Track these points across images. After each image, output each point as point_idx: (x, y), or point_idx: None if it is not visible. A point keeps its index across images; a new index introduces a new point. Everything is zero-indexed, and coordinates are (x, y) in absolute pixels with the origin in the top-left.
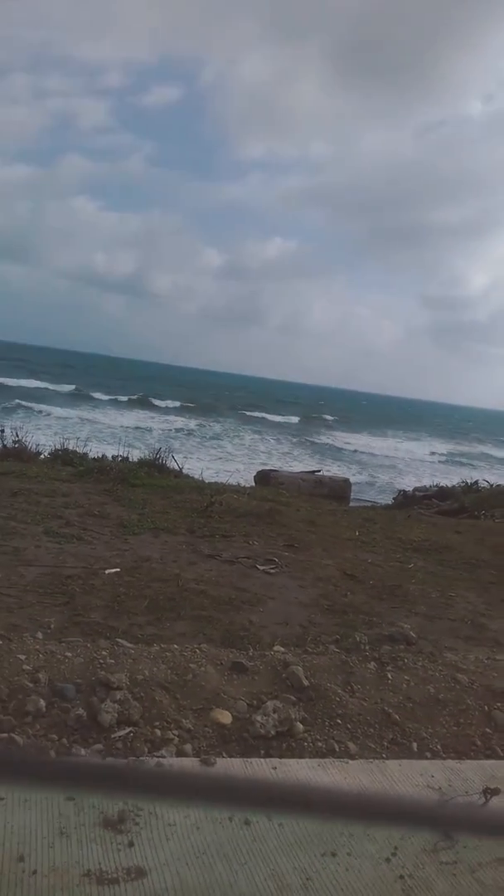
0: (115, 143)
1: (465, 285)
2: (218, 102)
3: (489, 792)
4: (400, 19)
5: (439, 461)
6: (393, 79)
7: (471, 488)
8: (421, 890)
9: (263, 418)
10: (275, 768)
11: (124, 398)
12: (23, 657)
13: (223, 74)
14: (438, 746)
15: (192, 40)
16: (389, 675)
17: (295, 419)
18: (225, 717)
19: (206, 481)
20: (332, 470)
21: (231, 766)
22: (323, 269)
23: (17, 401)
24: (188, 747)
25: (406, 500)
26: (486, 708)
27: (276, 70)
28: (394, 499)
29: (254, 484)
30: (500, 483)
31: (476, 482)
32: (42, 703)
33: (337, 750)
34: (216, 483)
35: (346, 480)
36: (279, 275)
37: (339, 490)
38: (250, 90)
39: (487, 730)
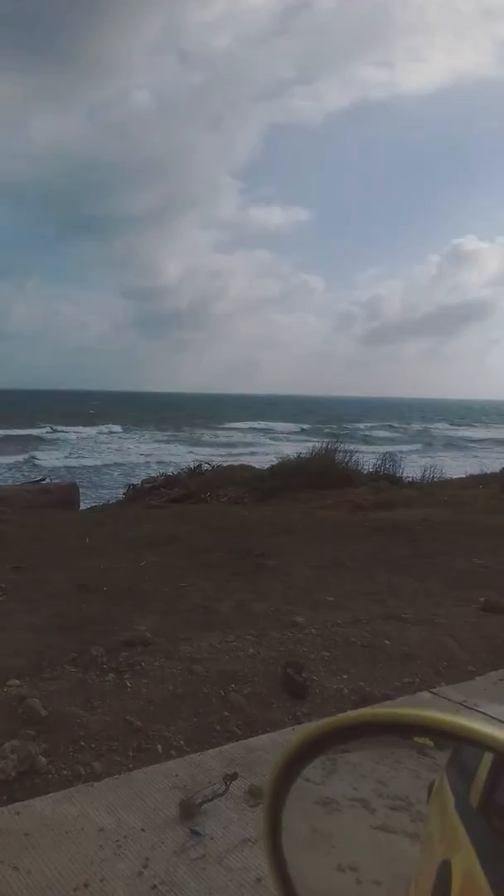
0: None
1: (162, 274)
2: None
3: (228, 778)
4: None
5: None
6: (51, 57)
7: (195, 472)
8: (173, 894)
9: None
10: (18, 813)
11: None
12: None
13: None
14: (182, 742)
15: None
16: (128, 683)
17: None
18: None
19: None
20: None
21: None
22: (15, 267)
23: None
24: None
25: (136, 494)
26: (221, 692)
27: None
28: (124, 493)
29: None
30: (220, 464)
31: (199, 465)
32: None
33: (83, 773)
34: None
35: (74, 485)
36: None
37: (67, 496)
38: None
39: (225, 713)
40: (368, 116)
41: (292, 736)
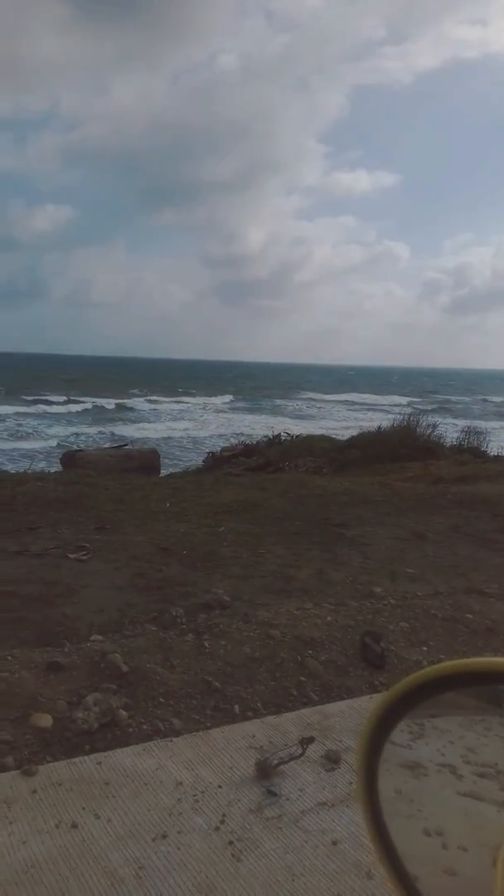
0: None
1: (243, 242)
2: None
3: (305, 741)
4: None
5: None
6: (138, 19)
7: (273, 442)
8: (249, 850)
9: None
10: (99, 763)
11: None
12: None
13: None
14: (259, 704)
15: None
16: (207, 644)
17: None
18: (45, 721)
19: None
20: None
21: (54, 770)
22: (101, 234)
23: None
24: (10, 759)
25: (215, 462)
26: (298, 658)
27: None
28: (203, 461)
29: (61, 467)
30: (300, 434)
31: (278, 435)
32: None
33: (162, 729)
34: (16, 473)
35: (155, 451)
36: (57, 244)
37: (148, 461)
38: None
39: (302, 678)
40: (460, 76)
41: (370, 703)
